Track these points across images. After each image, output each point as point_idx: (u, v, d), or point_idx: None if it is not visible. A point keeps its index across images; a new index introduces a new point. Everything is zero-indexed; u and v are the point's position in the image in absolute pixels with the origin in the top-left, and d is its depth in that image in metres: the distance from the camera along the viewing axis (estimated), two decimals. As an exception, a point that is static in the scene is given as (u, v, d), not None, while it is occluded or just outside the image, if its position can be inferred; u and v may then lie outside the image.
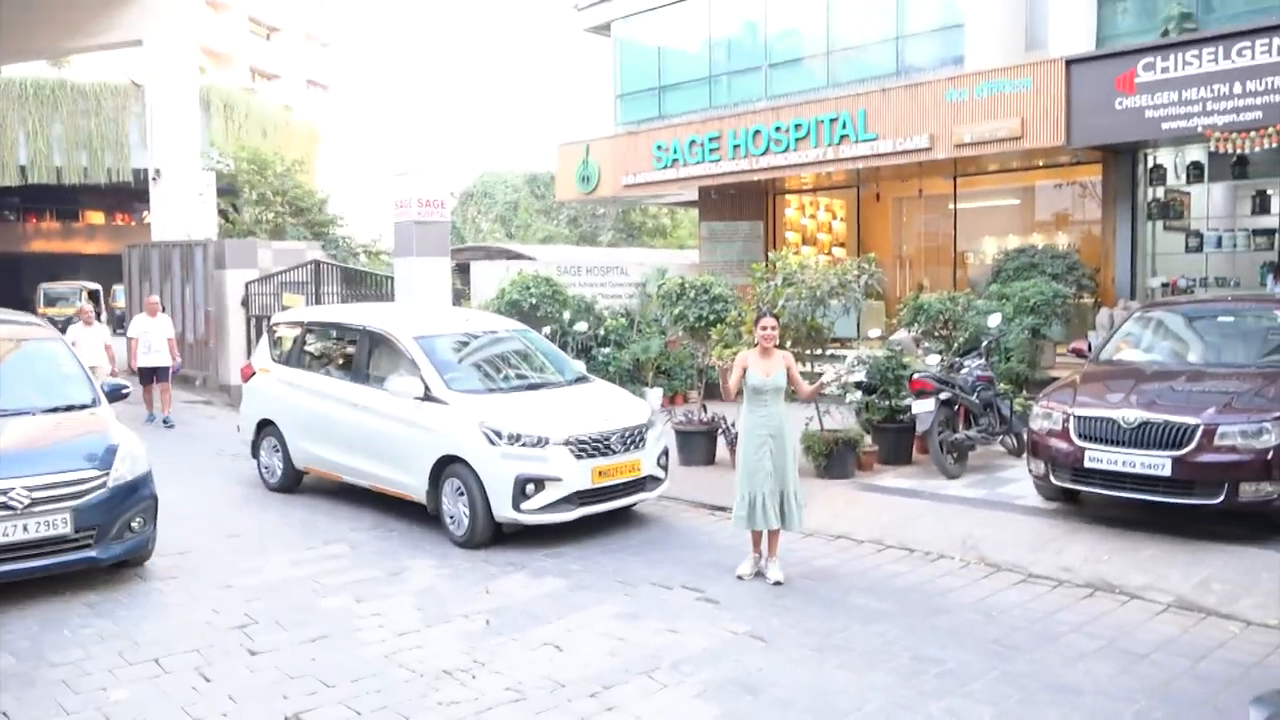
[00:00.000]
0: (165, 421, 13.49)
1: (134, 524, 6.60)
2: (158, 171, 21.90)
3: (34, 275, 30.17)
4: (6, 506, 5.97)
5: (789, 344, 9.74)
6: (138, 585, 6.68)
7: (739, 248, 17.88)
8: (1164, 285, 13.24)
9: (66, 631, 5.76)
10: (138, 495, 6.64)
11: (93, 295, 30.19)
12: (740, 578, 6.59)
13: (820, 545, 7.45)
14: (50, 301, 30.59)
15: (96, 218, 40.93)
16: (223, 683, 5.02)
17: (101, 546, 6.36)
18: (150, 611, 6.14)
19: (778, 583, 6.46)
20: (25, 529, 6.03)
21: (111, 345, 13.46)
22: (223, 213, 23.24)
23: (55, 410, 6.99)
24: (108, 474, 6.44)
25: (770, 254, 10.27)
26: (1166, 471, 6.56)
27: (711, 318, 10.70)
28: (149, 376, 13.66)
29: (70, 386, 7.38)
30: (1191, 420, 6.56)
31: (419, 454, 7.88)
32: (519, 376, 8.76)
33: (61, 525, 6.15)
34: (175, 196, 21.46)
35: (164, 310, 15.10)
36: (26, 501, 6.03)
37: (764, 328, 6.58)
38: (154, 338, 13.61)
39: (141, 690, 4.94)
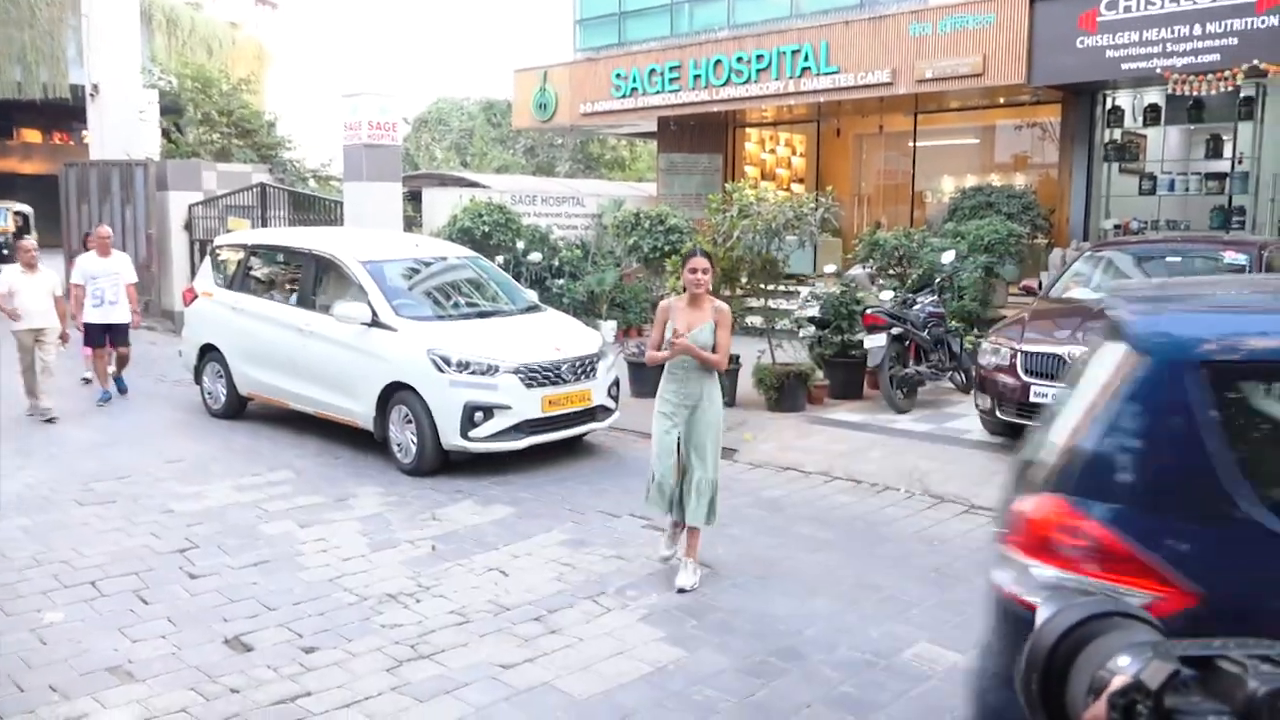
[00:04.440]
0: (117, 381, 10.27)
1: None
2: (95, 88, 21.11)
3: (-34, 195, 28.62)
4: None
5: (744, 277, 9.72)
6: (73, 510, 6.57)
7: (698, 181, 17.71)
8: (1116, 227, 13.38)
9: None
10: None
11: (20, 222, 19.45)
12: (666, 560, 5.50)
13: (769, 476, 7.53)
14: None
15: (33, 136, 39.38)
16: (161, 606, 4.98)
17: None
18: (87, 536, 6.04)
19: (682, 590, 5.14)
20: None
21: (62, 298, 9.60)
22: (165, 133, 22.48)
23: None
24: None
25: (727, 185, 10.18)
26: (1109, 407, 6.66)
27: (666, 249, 10.64)
28: (99, 336, 10.01)
29: None
30: (1135, 357, 6.66)
31: (366, 381, 7.79)
32: (469, 304, 8.67)
33: None
34: (115, 115, 20.73)
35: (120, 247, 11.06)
36: None
37: (693, 269, 5.24)
38: (106, 284, 9.99)
39: (77, 613, 4.88)
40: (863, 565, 5.61)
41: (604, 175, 30.05)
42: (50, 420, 9.11)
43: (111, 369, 10.27)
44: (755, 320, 10.47)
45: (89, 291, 9.97)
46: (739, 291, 9.86)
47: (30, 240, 10.05)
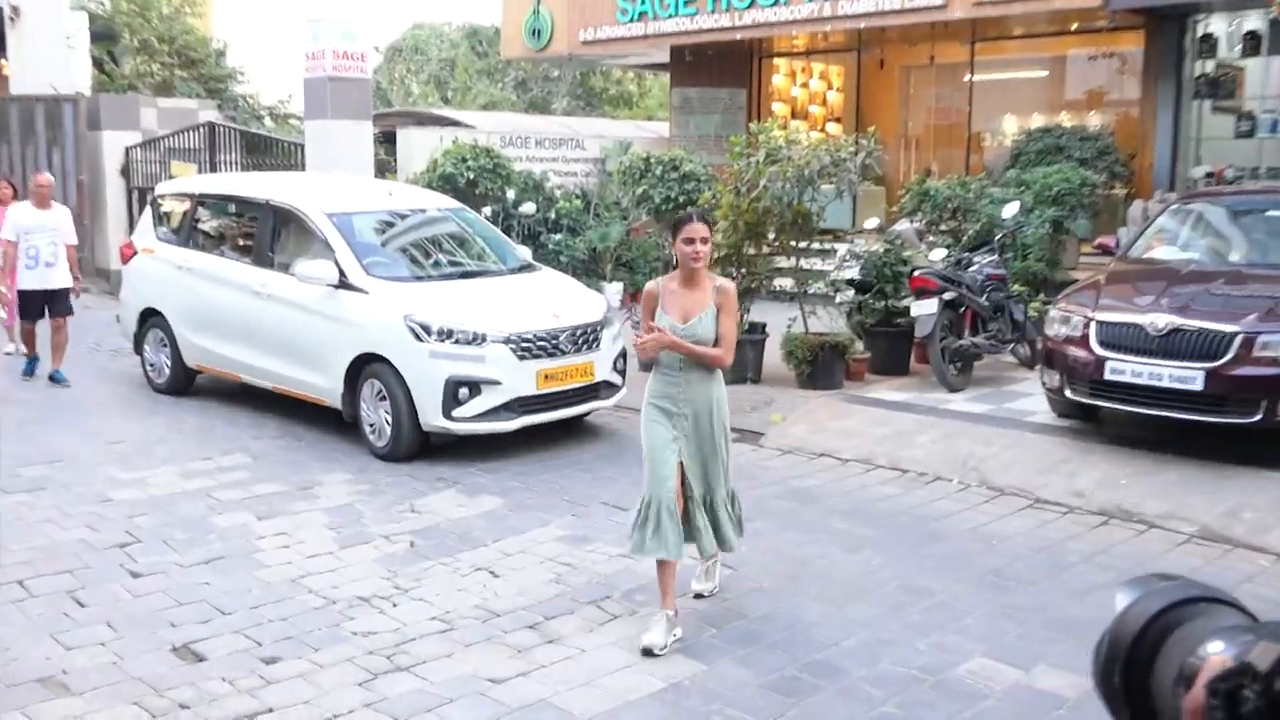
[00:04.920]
0: (54, 377, 9.68)
1: None
2: (15, 10, 21.00)
3: None
4: None
5: (772, 233, 9.69)
6: (-2, 498, 6.62)
7: (717, 120, 17.63)
8: (1208, 175, 13.28)
9: (-88, 549, 5.70)
10: None
11: None
12: (648, 652, 4.56)
13: (800, 464, 7.54)
14: None
15: (-57, 66, 39.38)
16: (99, 608, 5.02)
17: None
18: (13, 528, 6.08)
19: (699, 595, 5.12)
20: None
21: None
22: (98, 63, 22.43)
23: None
24: None
25: (752, 125, 10.13)
26: (1198, 385, 6.66)
27: (681, 199, 10.62)
28: (36, 306, 9.74)
29: None
30: (1229, 328, 6.65)
31: (333, 351, 7.81)
32: (452, 263, 8.68)
33: None
34: (38, 42, 20.63)
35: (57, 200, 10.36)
36: None
37: (689, 239, 4.69)
38: (42, 242, 9.63)
39: (3, 616, 4.92)
40: (909, 566, 5.62)
41: (608, 114, 29.94)
42: None
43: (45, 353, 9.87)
44: (785, 283, 10.45)
45: (22, 250, 9.57)
46: (766, 250, 9.83)
47: None
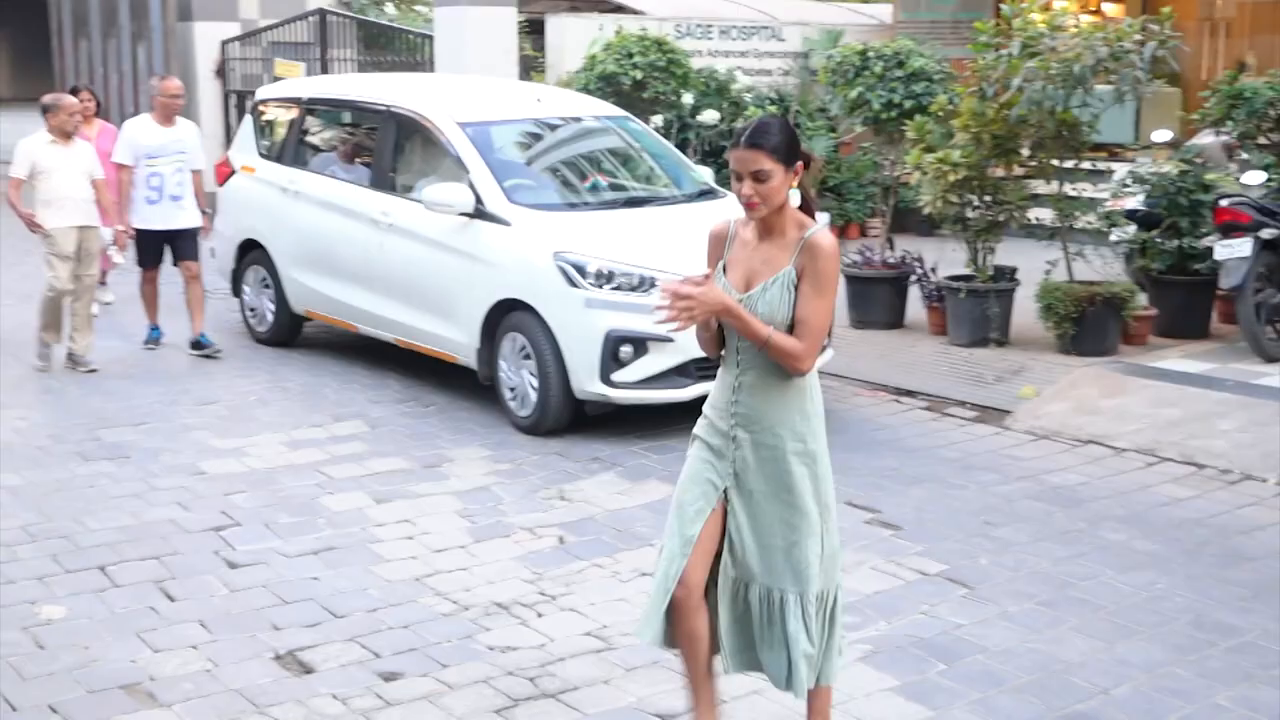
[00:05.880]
0: (201, 343, 9.56)
1: None
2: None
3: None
4: None
5: (1026, 149, 9.43)
6: (76, 466, 7.03)
7: (955, 2, 17.22)
8: None
9: (-18, 524, 6.12)
10: None
11: None
12: None
13: (1059, 453, 7.37)
14: None
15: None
16: (191, 603, 5.30)
17: None
18: (94, 503, 6.47)
19: None
20: None
21: (103, 184, 9.15)
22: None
23: None
24: None
25: (1003, 7, 9.84)
26: None
27: (908, 105, 10.41)
28: (156, 249, 9.58)
29: None
30: None
31: (467, 297, 7.98)
32: (614, 187, 8.73)
33: None
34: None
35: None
36: None
37: (735, 171, 3.57)
38: (167, 169, 9.34)
39: (83, 608, 5.24)
40: (1205, 594, 5.44)
41: (812, -6, 29.54)
42: (90, 371, 9.05)
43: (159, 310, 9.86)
44: (1043, 215, 10.17)
45: (141, 179, 9.33)
46: (1019, 171, 9.60)
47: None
